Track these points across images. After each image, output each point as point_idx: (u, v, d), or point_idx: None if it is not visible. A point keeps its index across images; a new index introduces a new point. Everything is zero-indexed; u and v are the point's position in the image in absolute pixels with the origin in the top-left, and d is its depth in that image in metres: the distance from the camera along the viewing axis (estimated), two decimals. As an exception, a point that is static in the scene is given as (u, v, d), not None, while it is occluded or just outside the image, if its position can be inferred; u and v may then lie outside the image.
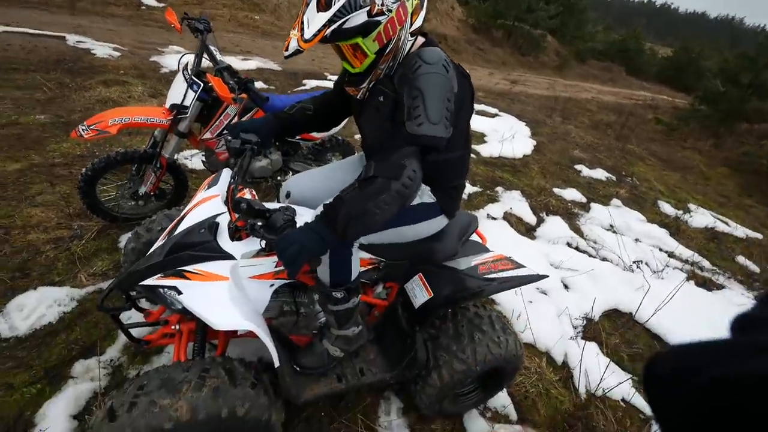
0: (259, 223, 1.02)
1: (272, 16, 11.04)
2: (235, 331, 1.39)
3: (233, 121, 2.15)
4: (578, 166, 5.48)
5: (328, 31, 0.97)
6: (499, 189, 4.04)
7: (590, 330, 2.37)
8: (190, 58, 2.07)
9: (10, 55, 4.44)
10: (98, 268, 2.03)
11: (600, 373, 1.97)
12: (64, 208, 2.35)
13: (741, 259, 3.98)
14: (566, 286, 2.71)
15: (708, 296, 3.01)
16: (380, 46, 1.05)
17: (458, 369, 1.37)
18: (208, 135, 2.17)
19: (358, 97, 1.21)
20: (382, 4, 0.98)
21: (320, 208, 1.11)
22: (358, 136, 4.56)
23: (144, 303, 1.69)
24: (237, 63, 6.15)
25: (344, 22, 0.97)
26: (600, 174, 5.39)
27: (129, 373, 1.59)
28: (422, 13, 1.11)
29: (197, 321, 1.29)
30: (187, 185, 2.40)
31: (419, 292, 1.41)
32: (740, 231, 4.70)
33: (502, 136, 5.54)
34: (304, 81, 6.32)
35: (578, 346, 2.15)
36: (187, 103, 1.99)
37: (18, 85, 3.80)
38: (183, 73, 2.00)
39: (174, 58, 5.54)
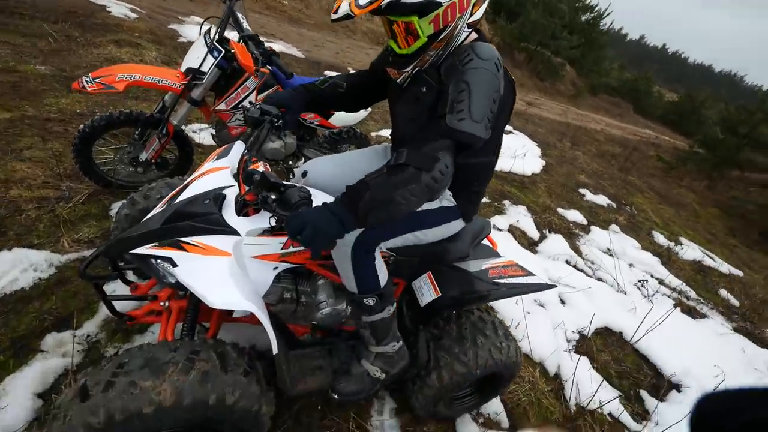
0: (273, 197, 0.94)
1: (301, 3, 10.89)
2: (230, 314, 1.29)
3: (251, 95, 2.01)
4: (582, 190, 5.60)
5: (385, 1, 0.89)
6: (506, 202, 4.10)
7: (583, 345, 2.44)
8: (213, 24, 1.93)
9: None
10: (84, 235, 1.86)
11: (590, 387, 2.04)
12: (54, 167, 2.17)
13: (723, 293, 4.21)
14: (563, 301, 2.78)
15: (692, 323, 3.15)
16: (435, 30, 0.98)
17: (459, 371, 1.34)
18: (222, 106, 2.02)
19: (398, 80, 1.13)
20: None
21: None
22: (374, 133, 4.45)
23: (131, 276, 1.54)
24: (258, 44, 6.01)
25: None
26: (602, 200, 5.52)
27: (107, 351, 1.45)
28: (483, 6, 1.05)
29: (189, 299, 1.19)
30: (192, 157, 2.24)
31: (427, 290, 1.38)
32: (724, 267, 4.95)
33: (515, 152, 5.54)
34: (326, 72, 6.20)
35: (571, 360, 2.21)
36: (204, 68, 1.84)
37: (21, 32, 3.60)
38: (204, 37, 1.86)
39: (194, 29, 5.40)
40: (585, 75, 20.62)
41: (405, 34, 1.00)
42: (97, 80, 1.72)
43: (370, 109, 1.79)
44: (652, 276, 3.79)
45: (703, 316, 3.41)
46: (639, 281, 3.48)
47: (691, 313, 3.37)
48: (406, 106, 1.16)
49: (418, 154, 0.94)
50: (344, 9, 0.92)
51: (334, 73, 6.80)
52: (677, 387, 2.37)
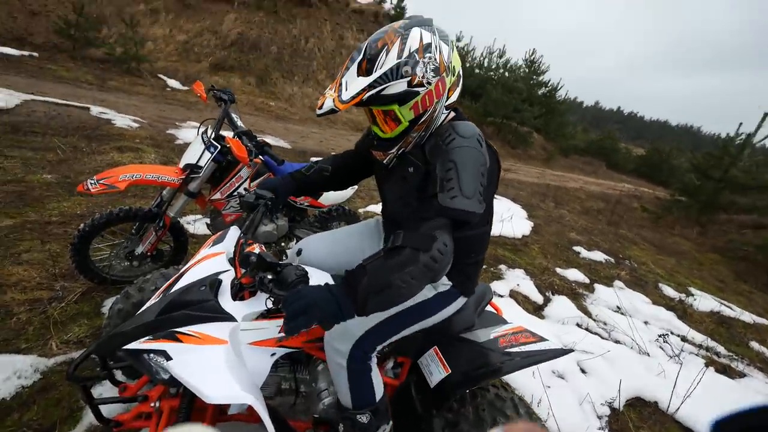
0: (269, 277, 0.94)
1: (286, 103, 12.08)
2: (225, 412, 1.19)
3: (245, 183, 2.15)
4: (576, 248, 5.57)
5: (366, 95, 0.96)
6: (502, 267, 4.06)
7: (617, 421, 2.21)
8: (209, 125, 2.14)
9: (33, 119, 4.63)
10: (74, 335, 1.82)
11: None
12: (49, 268, 2.20)
13: (755, 345, 3.87)
14: (583, 370, 2.59)
15: (732, 384, 2.88)
16: (415, 115, 1.04)
17: None
18: (218, 195, 2.15)
19: (384, 161, 1.18)
20: (423, 76, 0.98)
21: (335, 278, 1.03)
22: (362, 210, 4.62)
23: (120, 376, 1.47)
24: (248, 139, 6.52)
25: (383, 89, 0.96)
26: (599, 256, 5.46)
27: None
28: (458, 90, 1.13)
29: (182, 396, 1.10)
30: (187, 248, 2.30)
31: (435, 368, 1.27)
32: (746, 316, 4.64)
33: (501, 216, 5.66)
34: (312, 158, 6.57)
35: None
36: (201, 163, 2.00)
37: (33, 146, 3.89)
38: (201, 136, 2.05)
39: (190, 132, 5.85)
40: (552, 140, 22.04)
41: (386, 120, 1.07)
42: (100, 182, 1.84)
43: (357, 186, 1.91)
44: (672, 333, 3.55)
45: (742, 374, 3.13)
46: (659, 336, 3.27)
47: (727, 372, 3.09)
48: (395, 185, 1.19)
49: (414, 235, 0.94)
50: (328, 105, 0.98)
51: (320, 159, 7.28)
52: None
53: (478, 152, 1.02)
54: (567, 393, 2.24)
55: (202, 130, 2.10)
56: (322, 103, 1.00)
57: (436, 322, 1.24)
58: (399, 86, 0.97)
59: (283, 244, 2.49)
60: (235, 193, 2.15)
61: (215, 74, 11.63)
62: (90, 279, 2.08)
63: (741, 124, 10.14)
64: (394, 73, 0.96)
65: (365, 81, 0.96)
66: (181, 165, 2.02)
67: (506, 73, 19.67)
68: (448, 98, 1.09)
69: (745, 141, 9.77)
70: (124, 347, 0.99)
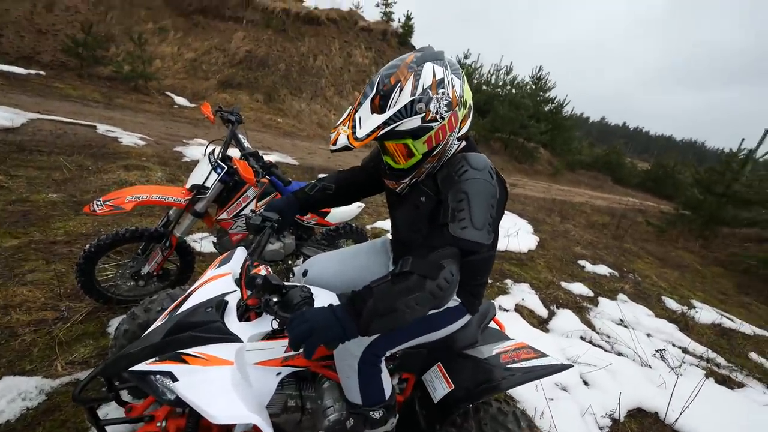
0: (275, 299, 0.96)
1: (294, 119, 12.26)
2: (230, 431, 1.18)
3: (252, 203, 2.15)
4: (581, 262, 5.59)
5: (381, 132, 0.98)
6: (508, 281, 4.06)
7: None
8: (216, 146, 2.16)
9: (39, 138, 4.71)
10: (79, 356, 1.80)
11: None
12: (54, 288, 2.20)
13: (754, 356, 3.91)
14: (586, 382, 2.64)
15: (731, 395, 2.93)
16: (429, 148, 1.06)
17: None
18: (224, 215, 2.15)
19: (397, 190, 1.20)
20: (437, 112, 0.99)
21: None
22: (369, 226, 4.62)
23: (125, 396, 1.45)
24: (256, 155, 6.59)
25: (398, 126, 0.98)
26: (603, 270, 5.48)
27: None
28: (470, 120, 1.15)
29: (188, 417, 1.10)
30: (193, 267, 2.29)
31: (439, 384, 1.30)
32: (747, 327, 4.68)
33: (507, 231, 5.68)
34: (320, 175, 6.63)
35: None
36: (208, 184, 2.01)
37: (38, 165, 3.94)
38: (208, 157, 2.07)
39: (197, 149, 5.92)
40: (559, 155, 22.21)
41: (400, 152, 1.09)
42: (106, 203, 1.85)
43: (363, 204, 1.91)
44: (673, 345, 3.60)
45: (741, 385, 3.17)
46: (656, 351, 3.29)
47: (727, 382, 3.13)
48: (407, 211, 1.22)
49: (423, 262, 0.96)
50: (342, 141, 1.00)
51: (325, 175, 7.34)
52: None
53: (490, 184, 1.04)
54: (569, 405, 2.27)
55: (209, 150, 2.12)
56: (336, 139, 1.02)
57: (442, 336, 1.28)
58: (413, 122, 0.98)
59: (290, 262, 2.48)
60: (242, 213, 2.15)
61: (223, 91, 11.85)
62: (95, 299, 2.07)
63: (743, 139, 10.22)
64: (408, 110, 0.97)
65: (380, 118, 0.98)
66: (188, 185, 2.03)
67: (513, 90, 19.97)
68: (460, 129, 1.11)
69: (747, 156, 9.88)
70: (131, 369, 1.00)
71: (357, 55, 15.34)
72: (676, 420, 2.37)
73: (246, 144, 2.18)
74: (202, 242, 3.10)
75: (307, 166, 7.02)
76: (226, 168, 2.03)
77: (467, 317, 1.31)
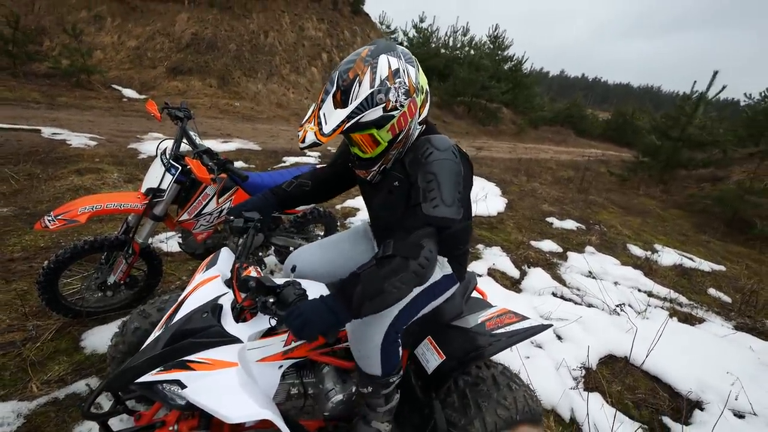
0: (271, 300, 1.00)
1: (252, 102, 11.75)
2: (242, 426, 1.23)
3: (212, 201, 2.12)
4: (549, 219, 5.78)
5: (346, 126, 1.03)
6: (480, 246, 4.18)
7: (590, 380, 2.36)
8: (168, 144, 2.08)
9: (-22, 150, 4.37)
10: (54, 374, 1.79)
11: (608, 424, 1.95)
12: (18, 308, 2.13)
13: (713, 292, 4.19)
14: (559, 337, 2.72)
15: (692, 331, 3.09)
16: (393, 135, 1.12)
17: None
18: (185, 216, 2.11)
19: (368, 178, 1.26)
20: (396, 101, 1.06)
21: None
22: (339, 206, 4.62)
23: (131, 404, 1.47)
24: (218, 145, 6.34)
25: (361, 118, 1.03)
26: (570, 224, 5.69)
27: None
28: (428, 105, 1.21)
29: (200, 418, 1.15)
30: (162, 270, 2.26)
31: (431, 355, 1.38)
32: (705, 265, 5.00)
33: (476, 196, 5.78)
34: (284, 158, 6.53)
35: (582, 399, 2.13)
36: (164, 186, 1.95)
37: (-19, 181, 3.69)
38: (161, 158, 2.00)
39: (153, 144, 5.63)
40: (522, 113, 22.46)
41: (366, 143, 1.14)
42: (59, 217, 1.78)
43: None
44: (639, 290, 3.81)
45: (701, 320, 3.39)
46: (616, 306, 3.32)
47: (689, 320, 3.34)
48: (382, 198, 1.28)
49: (403, 245, 1.04)
50: (311, 138, 1.04)
51: (294, 159, 7.07)
52: (698, 405, 2.27)
53: (454, 163, 1.12)
54: (544, 362, 2.37)
55: (161, 149, 2.05)
56: (304, 137, 1.06)
57: (441, 301, 1.38)
58: (375, 113, 1.04)
59: (260, 254, 2.48)
60: (204, 212, 2.12)
61: (173, 79, 11.17)
62: (63, 314, 2.03)
63: (695, 82, 10.63)
64: (369, 102, 1.03)
65: (343, 113, 1.02)
66: (143, 189, 1.98)
67: (471, 51, 19.74)
68: (420, 114, 1.17)
69: (700, 98, 10.28)
70: (137, 381, 1.01)
71: (309, 28, 14.66)
72: (642, 362, 2.52)
73: (198, 140, 2.12)
74: (168, 242, 3.04)
75: (270, 150, 6.84)
76: (180, 168, 1.97)
77: (457, 284, 1.41)
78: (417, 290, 1.24)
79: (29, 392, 1.69)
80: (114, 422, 1.51)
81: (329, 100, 1.04)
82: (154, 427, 1.21)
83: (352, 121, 1.03)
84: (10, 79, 8.72)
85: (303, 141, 1.06)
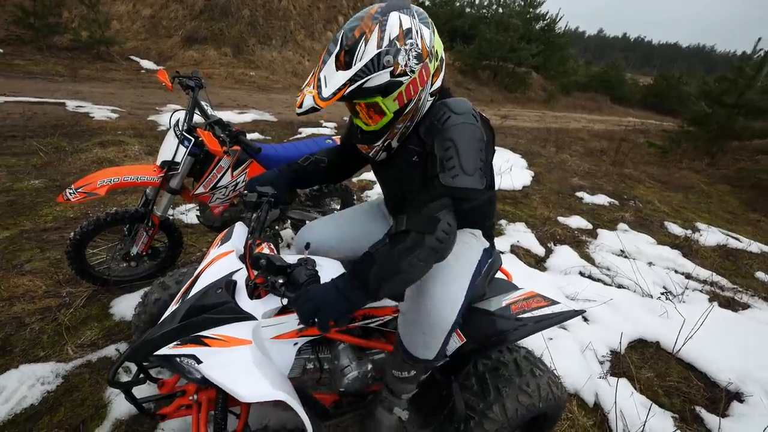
0: (281, 281, 0.97)
1: (267, 71, 11.58)
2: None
3: (227, 173, 2.11)
4: (579, 194, 5.48)
5: (348, 90, 0.92)
6: (502, 222, 4.03)
7: (618, 365, 2.24)
8: (181, 115, 2.05)
9: (10, 123, 4.52)
10: (86, 338, 1.89)
11: (637, 413, 1.83)
12: (53, 275, 2.24)
13: (761, 275, 3.85)
14: (586, 319, 2.58)
15: (735, 317, 2.87)
16: (400, 106, 1.01)
17: (491, 430, 1.21)
18: (201, 189, 2.11)
19: (371, 155, 1.16)
20: (406, 65, 0.94)
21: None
22: (355, 179, 4.56)
23: (155, 372, 1.54)
24: (234, 116, 6.33)
25: (365, 82, 0.92)
26: (602, 199, 5.38)
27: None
28: (442, 75, 1.08)
29: (218, 390, 1.17)
30: (182, 242, 2.31)
31: (451, 338, 1.32)
32: (754, 246, 4.58)
33: (500, 168, 5.55)
34: (300, 129, 6.46)
35: (609, 385, 2.01)
36: (178, 159, 1.95)
37: (15, 152, 3.83)
38: (174, 130, 1.98)
39: (171, 116, 5.69)
40: (552, 78, 21.09)
41: (370, 113, 1.04)
42: (79, 190, 1.82)
43: None
44: (676, 271, 3.55)
45: (746, 306, 3.13)
46: (661, 294, 3.08)
47: (732, 305, 3.09)
48: (395, 173, 1.19)
49: (418, 218, 0.95)
50: (309, 103, 0.95)
51: (310, 130, 6.98)
52: (738, 397, 2.11)
53: (475, 127, 1.00)
54: (571, 343, 2.28)
55: (174, 121, 2.02)
56: (302, 101, 0.96)
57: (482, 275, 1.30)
58: (381, 77, 0.93)
59: (277, 227, 2.49)
60: (219, 185, 2.12)
61: (189, 48, 11.07)
62: (93, 282, 2.13)
63: (759, 39, 9.39)
64: (375, 64, 0.91)
65: (345, 75, 0.92)
66: (158, 162, 1.98)
67: (500, 9, 18.56)
68: (432, 84, 1.04)
69: (765, 58, 9.01)
70: (155, 353, 1.03)
71: (324, -10, 14.03)
72: (678, 349, 2.35)
73: (210, 111, 2.08)
74: (189, 214, 3.10)
75: (287, 121, 6.75)
76: (193, 140, 1.95)
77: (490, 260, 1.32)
78: (471, 267, 1.17)
79: (65, 355, 1.80)
80: (139, 389, 1.62)
81: (331, 60, 0.94)
82: (175, 396, 1.26)
83: (355, 85, 0.92)
84: (35, 52, 8.89)
85: (300, 106, 0.96)
